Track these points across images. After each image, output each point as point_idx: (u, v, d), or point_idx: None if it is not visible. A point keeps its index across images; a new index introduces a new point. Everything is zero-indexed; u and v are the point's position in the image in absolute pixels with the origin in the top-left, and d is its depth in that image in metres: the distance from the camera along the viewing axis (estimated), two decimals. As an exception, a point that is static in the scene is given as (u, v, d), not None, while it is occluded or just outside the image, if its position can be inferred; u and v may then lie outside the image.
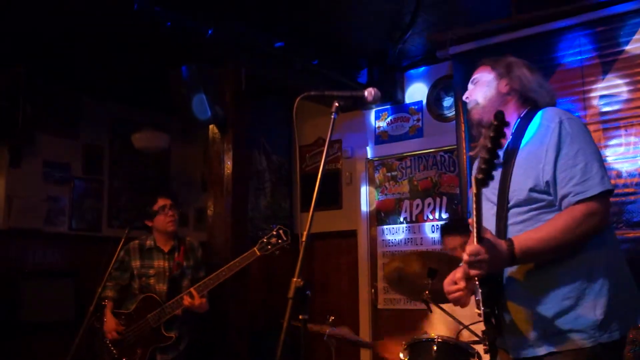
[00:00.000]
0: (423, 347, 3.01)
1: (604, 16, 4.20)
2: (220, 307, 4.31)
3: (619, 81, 4.17)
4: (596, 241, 1.99)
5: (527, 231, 2.00)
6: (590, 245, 1.99)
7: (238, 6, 4.19)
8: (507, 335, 2.08)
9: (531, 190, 2.03)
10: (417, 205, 5.36)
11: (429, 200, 5.29)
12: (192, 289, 3.88)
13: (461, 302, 2.20)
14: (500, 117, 1.77)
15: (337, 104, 2.15)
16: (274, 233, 3.84)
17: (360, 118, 5.70)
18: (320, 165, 2.12)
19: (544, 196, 2.03)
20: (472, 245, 1.88)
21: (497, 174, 2.13)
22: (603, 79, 4.22)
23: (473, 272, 1.93)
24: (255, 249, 3.83)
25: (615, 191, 4.11)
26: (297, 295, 1.90)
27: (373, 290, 5.48)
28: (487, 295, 1.99)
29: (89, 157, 5.81)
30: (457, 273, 2.19)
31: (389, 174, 5.58)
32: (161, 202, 4.14)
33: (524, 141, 2.11)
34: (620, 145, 4.14)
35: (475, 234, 1.86)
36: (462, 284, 2.15)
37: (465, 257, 1.90)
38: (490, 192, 2.15)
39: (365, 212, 5.61)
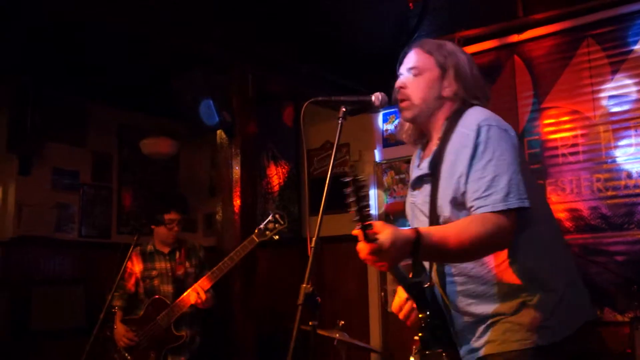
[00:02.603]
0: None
1: (612, 16, 4.18)
2: (227, 311, 4.31)
3: (628, 81, 4.14)
4: (539, 244, 1.94)
5: (437, 227, 1.88)
6: (532, 248, 1.92)
7: (244, 12, 4.19)
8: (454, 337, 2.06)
9: (451, 202, 1.92)
10: (426, 208, 5.33)
11: (438, 202, 5.26)
12: (196, 285, 3.91)
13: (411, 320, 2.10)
14: (356, 183, 1.68)
15: (344, 109, 2.13)
16: (271, 219, 3.85)
17: (368, 121, 5.68)
18: (328, 168, 2.11)
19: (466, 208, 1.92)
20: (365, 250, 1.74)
21: (427, 185, 2.06)
22: (612, 79, 4.19)
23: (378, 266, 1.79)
24: (253, 236, 3.84)
25: (626, 192, 4.08)
26: (307, 301, 1.88)
27: (383, 293, 5.46)
28: (422, 302, 1.96)
29: (98, 164, 5.83)
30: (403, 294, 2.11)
31: (397, 177, 5.55)
32: (172, 215, 4.18)
33: (447, 148, 1.98)
34: (630, 145, 4.11)
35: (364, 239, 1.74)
36: (408, 305, 2.08)
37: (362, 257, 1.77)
38: (423, 205, 2.08)
39: (374, 215, 5.59)
